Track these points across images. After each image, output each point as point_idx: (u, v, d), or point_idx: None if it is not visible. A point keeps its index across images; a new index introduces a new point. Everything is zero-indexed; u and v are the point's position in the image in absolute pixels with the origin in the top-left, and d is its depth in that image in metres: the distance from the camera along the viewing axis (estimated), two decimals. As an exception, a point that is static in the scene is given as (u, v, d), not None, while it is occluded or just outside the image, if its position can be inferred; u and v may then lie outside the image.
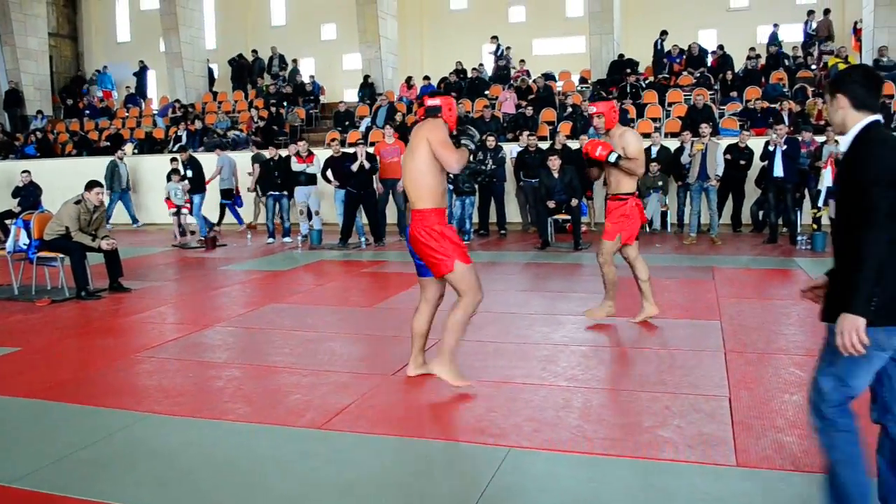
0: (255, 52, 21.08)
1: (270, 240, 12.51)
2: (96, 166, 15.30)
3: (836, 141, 10.16)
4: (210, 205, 13.80)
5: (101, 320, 6.93)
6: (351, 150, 11.80)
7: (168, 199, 13.50)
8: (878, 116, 2.68)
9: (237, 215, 14.56)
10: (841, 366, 2.57)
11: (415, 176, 4.27)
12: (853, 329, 2.46)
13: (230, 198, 14.33)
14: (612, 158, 5.70)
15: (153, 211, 16.42)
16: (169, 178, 13.68)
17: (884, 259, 2.50)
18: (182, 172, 13.36)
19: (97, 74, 22.96)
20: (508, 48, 18.46)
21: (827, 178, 10.06)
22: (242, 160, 14.85)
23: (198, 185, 13.32)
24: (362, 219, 11.69)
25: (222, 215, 14.48)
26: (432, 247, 4.26)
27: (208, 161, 13.97)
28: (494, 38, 18.71)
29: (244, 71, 20.82)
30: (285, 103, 18.50)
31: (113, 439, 3.92)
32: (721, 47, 16.81)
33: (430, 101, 4.48)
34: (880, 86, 2.80)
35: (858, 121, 2.66)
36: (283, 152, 12.92)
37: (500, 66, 18.25)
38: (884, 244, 2.49)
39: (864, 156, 2.59)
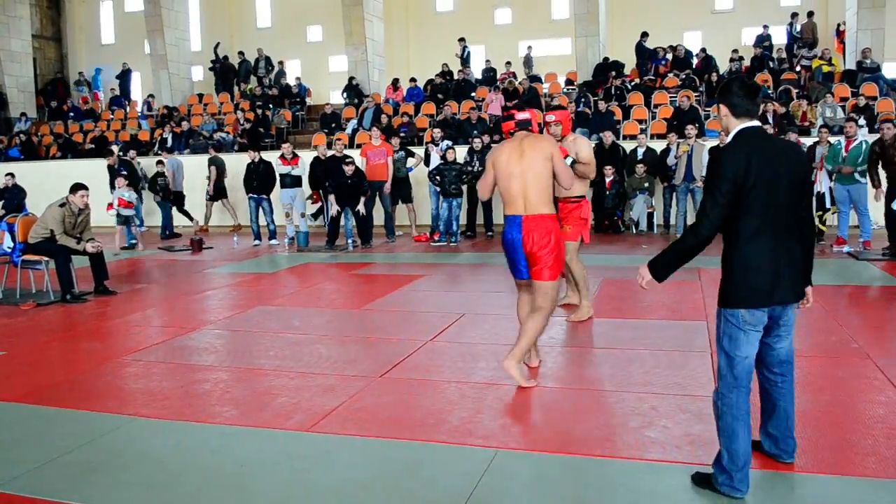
0: (241, 53, 20.98)
1: (257, 242, 12.48)
2: (81, 168, 15.20)
3: (828, 142, 10.31)
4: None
5: (86, 324, 6.89)
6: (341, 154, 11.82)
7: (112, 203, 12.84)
8: (755, 122, 3.09)
9: (169, 219, 14.52)
10: (724, 343, 3.11)
11: (539, 184, 4.49)
12: (643, 274, 3.27)
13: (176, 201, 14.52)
14: (569, 162, 5.80)
15: (155, 213, 16.32)
16: (153, 183, 13.70)
17: (692, 247, 3.13)
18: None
19: (81, 76, 22.82)
20: (510, 68, 18.34)
21: (824, 181, 10.13)
22: (230, 162, 14.85)
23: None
24: (350, 221, 11.68)
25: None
26: (552, 249, 4.50)
27: (193, 163, 13.93)
28: (461, 39, 18.70)
29: (229, 73, 20.74)
30: (271, 105, 18.45)
31: (99, 443, 3.90)
32: (703, 50, 16.90)
33: (521, 115, 4.70)
34: (756, 93, 3.15)
35: (737, 126, 3.09)
36: (266, 155, 12.87)
37: (526, 73, 18.17)
38: (696, 237, 3.08)
39: (715, 157, 3.06)
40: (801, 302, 3.25)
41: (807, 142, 11.09)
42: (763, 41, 16.89)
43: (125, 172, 13.13)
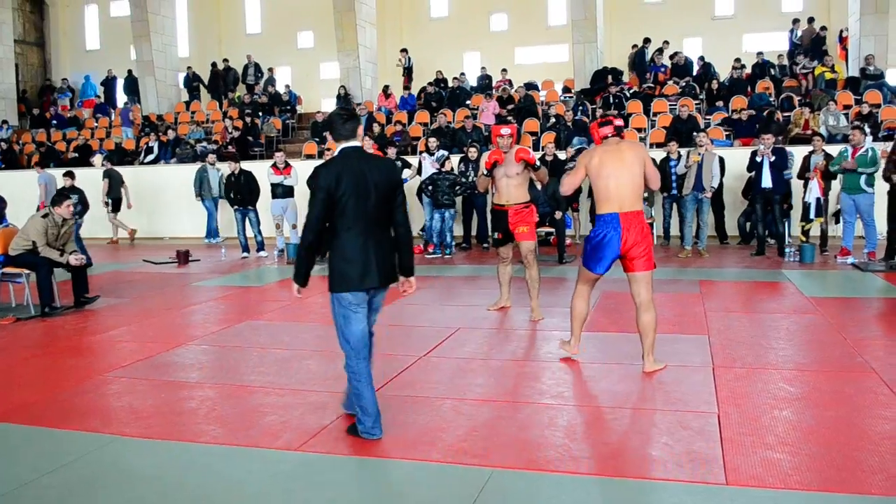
0: (226, 60, 20.88)
1: (245, 254, 12.31)
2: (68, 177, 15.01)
3: (823, 151, 10.26)
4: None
5: (67, 339, 6.75)
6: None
7: None
8: (352, 143, 3.92)
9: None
10: (339, 322, 3.95)
11: (638, 183, 4.91)
12: (293, 287, 4.07)
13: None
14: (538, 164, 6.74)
15: (140, 224, 16.26)
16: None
17: (303, 250, 3.94)
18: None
19: (65, 83, 22.64)
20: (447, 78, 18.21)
21: (815, 190, 10.07)
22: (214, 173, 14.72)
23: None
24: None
25: None
26: (649, 245, 4.94)
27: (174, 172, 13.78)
28: (403, 50, 18.62)
29: (218, 80, 20.60)
30: (261, 113, 18.29)
31: (79, 463, 3.78)
32: (702, 58, 16.87)
33: (619, 122, 5.20)
34: (351, 120, 3.95)
35: (339, 147, 3.93)
36: (257, 164, 12.70)
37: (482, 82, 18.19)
38: (302, 241, 3.92)
39: (315, 171, 3.83)
40: (402, 288, 4.15)
41: (802, 151, 11.00)
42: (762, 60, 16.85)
43: (74, 199, 12.49)
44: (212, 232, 14.67)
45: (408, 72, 18.73)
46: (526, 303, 7.10)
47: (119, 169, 15.73)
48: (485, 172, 6.85)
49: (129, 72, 20.64)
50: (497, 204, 6.88)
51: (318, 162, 11.79)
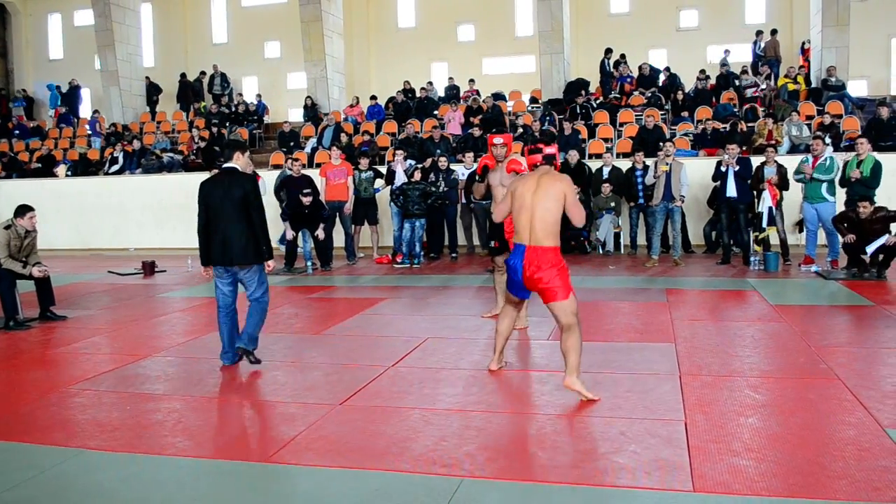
0: (183, 75, 20.71)
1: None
2: (26, 189, 14.80)
3: (776, 162, 10.44)
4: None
5: (31, 351, 6.62)
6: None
7: None
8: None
9: None
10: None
11: (548, 218, 4.77)
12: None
13: None
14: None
15: (105, 235, 16.01)
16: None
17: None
18: None
19: (22, 93, 22.26)
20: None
21: (768, 200, 10.23)
22: (181, 182, 14.57)
23: None
24: (309, 243, 11.40)
25: None
26: (554, 277, 4.72)
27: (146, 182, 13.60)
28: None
29: (186, 89, 20.42)
30: (228, 123, 18.15)
31: (42, 478, 3.71)
32: (668, 69, 17.08)
33: (549, 150, 5.03)
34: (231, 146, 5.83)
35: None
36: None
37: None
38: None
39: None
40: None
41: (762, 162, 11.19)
42: (726, 62, 17.12)
43: None
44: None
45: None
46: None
47: (84, 179, 15.51)
48: (477, 179, 6.92)
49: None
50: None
51: (285, 172, 11.86)
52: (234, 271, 5.71)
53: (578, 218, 4.87)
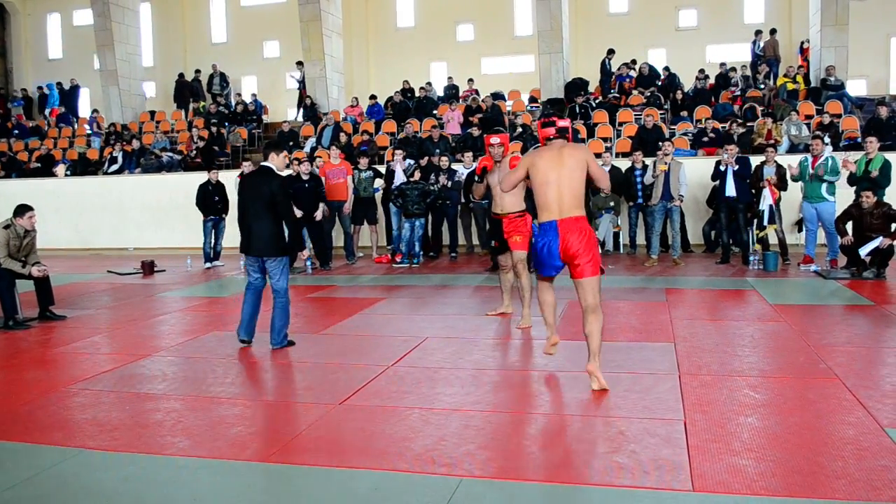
0: (181, 74, 20.68)
1: (208, 264, 12.16)
2: (26, 189, 14.79)
3: (776, 161, 10.44)
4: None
5: (30, 351, 6.62)
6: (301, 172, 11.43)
7: None
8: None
9: None
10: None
11: (577, 188, 4.83)
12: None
13: None
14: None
15: (104, 235, 16.01)
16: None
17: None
18: None
19: (23, 92, 22.23)
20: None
21: (768, 198, 10.23)
22: (179, 182, 14.55)
23: None
24: (308, 242, 11.35)
25: None
26: (588, 251, 4.77)
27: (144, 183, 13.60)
28: (299, 63, 18.64)
29: (185, 89, 20.41)
30: (227, 123, 18.14)
31: (41, 478, 3.70)
32: (667, 69, 17.08)
33: (563, 123, 5.02)
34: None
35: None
36: (221, 175, 12.56)
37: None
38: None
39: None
40: None
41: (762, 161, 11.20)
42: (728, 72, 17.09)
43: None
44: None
45: (303, 85, 18.67)
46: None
47: (83, 179, 15.51)
48: (476, 179, 6.95)
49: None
50: (494, 213, 6.99)
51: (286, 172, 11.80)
52: (261, 260, 6.32)
53: (605, 182, 5.01)
